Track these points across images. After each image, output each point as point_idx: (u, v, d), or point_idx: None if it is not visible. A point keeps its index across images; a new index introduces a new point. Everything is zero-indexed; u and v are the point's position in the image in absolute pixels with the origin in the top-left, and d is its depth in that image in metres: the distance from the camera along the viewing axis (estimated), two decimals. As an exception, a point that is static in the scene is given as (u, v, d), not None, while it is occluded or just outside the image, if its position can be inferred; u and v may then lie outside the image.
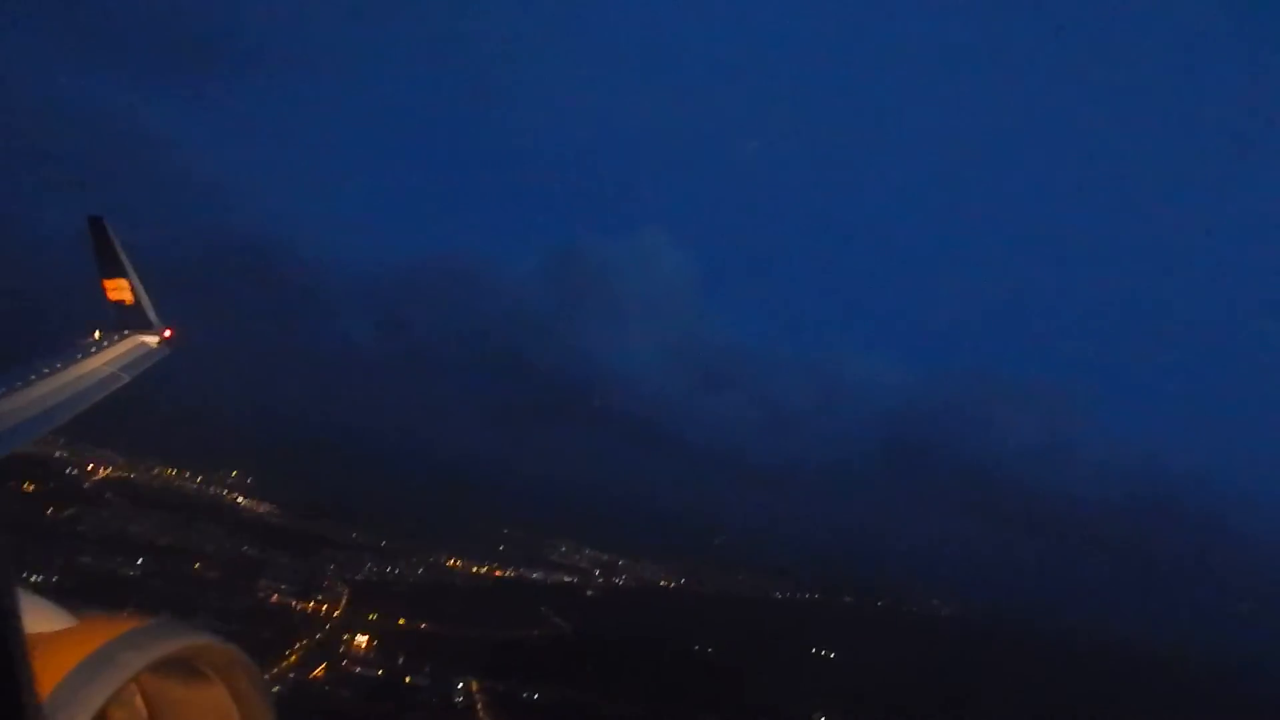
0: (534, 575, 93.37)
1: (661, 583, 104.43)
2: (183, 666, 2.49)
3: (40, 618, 2.28)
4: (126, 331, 12.34)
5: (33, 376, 9.29)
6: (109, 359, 11.11)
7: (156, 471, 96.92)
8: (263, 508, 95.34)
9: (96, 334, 12.01)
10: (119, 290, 12.68)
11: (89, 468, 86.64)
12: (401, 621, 65.59)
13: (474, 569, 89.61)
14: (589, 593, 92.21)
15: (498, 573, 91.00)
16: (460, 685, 55.26)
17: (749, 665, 75.26)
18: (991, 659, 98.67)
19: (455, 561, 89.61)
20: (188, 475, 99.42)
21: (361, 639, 58.85)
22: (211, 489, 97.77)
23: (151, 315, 12.80)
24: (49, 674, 2.04)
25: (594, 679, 62.25)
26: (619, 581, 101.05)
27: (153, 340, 12.52)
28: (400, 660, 57.46)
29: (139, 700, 2.60)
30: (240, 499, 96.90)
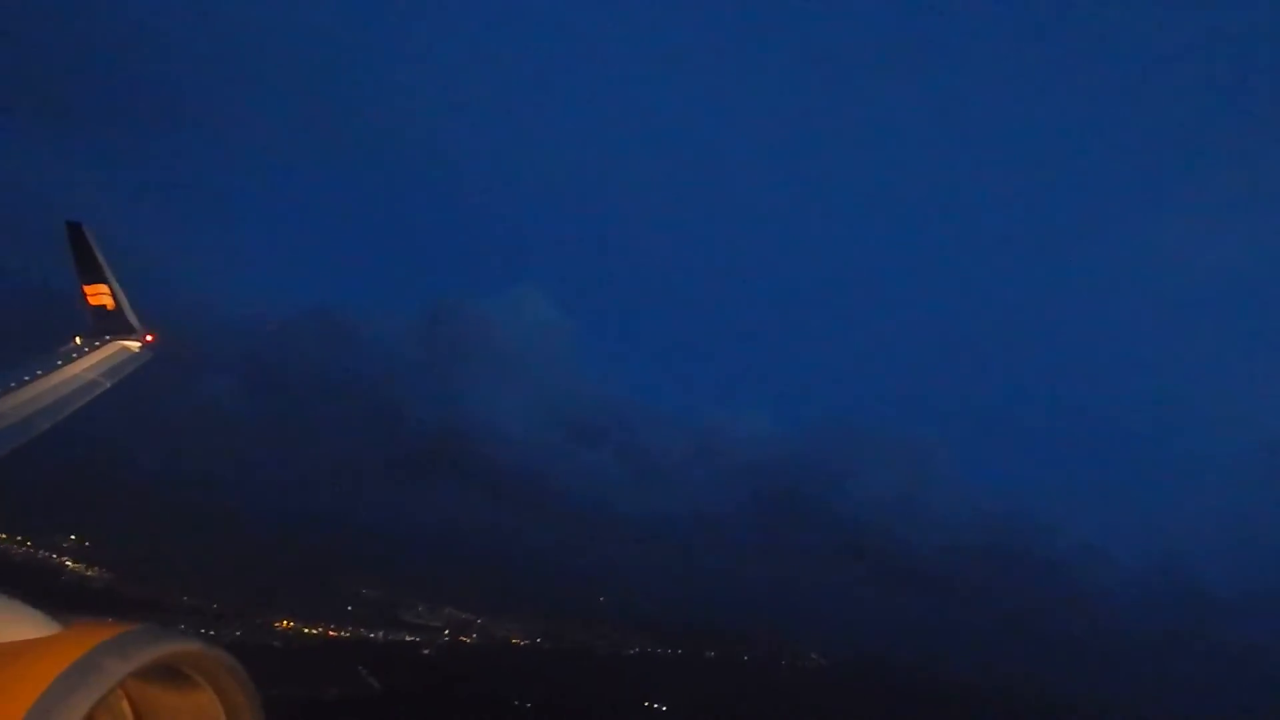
0: (371, 635, 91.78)
1: (514, 640, 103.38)
2: (170, 672, 2.46)
3: (24, 624, 2.26)
4: (108, 337, 12.08)
5: (12, 384, 9.03)
6: (90, 365, 10.81)
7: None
8: (92, 571, 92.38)
9: (77, 339, 11.72)
10: (99, 296, 12.34)
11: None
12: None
13: (305, 630, 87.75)
14: (426, 652, 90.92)
15: (331, 633, 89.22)
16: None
17: (568, 717, 75.08)
18: (847, 707, 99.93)
19: (286, 623, 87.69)
20: (18, 539, 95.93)
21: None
22: (40, 553, 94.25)
23: (133, 320, 12.54)
24: (34, 681, 2.01)
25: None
26: (468, 640, 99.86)
27: (135, 345, 12.24)
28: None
29: (126, 706, 2.57)
30: (70, 563, 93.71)
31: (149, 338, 12.53)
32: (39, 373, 9.64)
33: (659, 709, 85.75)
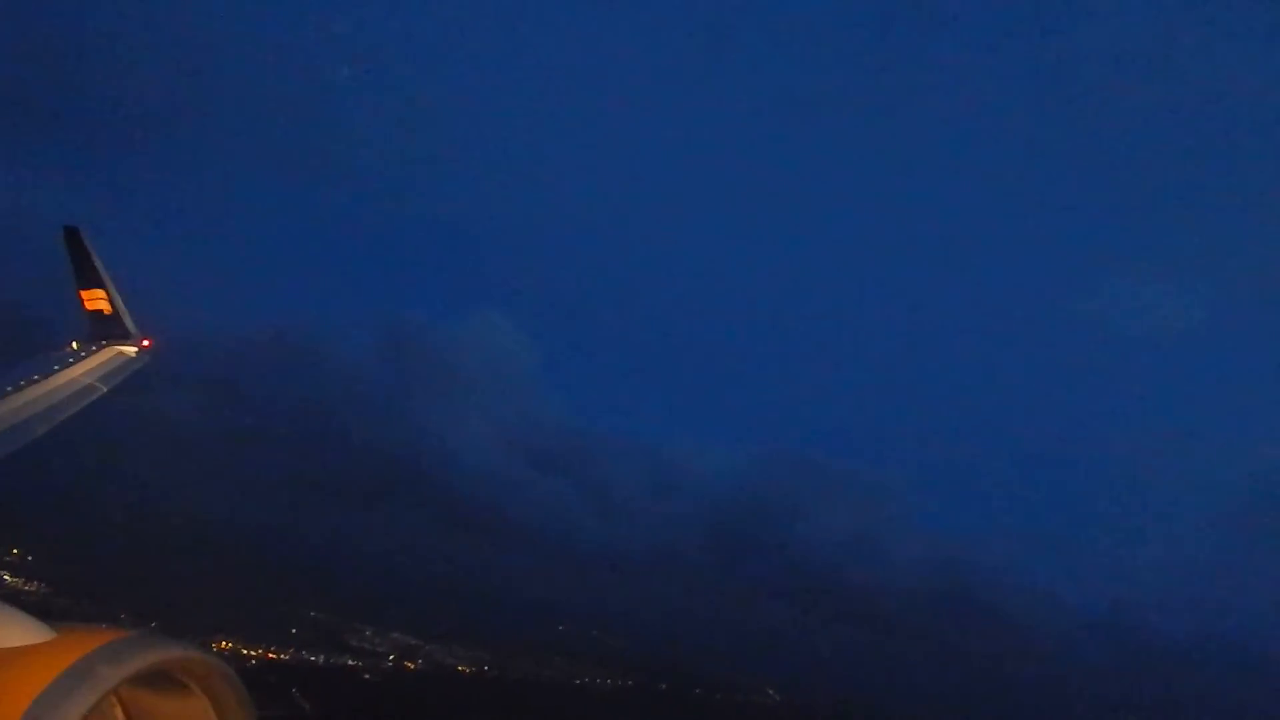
0: (312, 658, 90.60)
1: (459, 668, 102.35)
2: (163, 679, 2.51)
3: (17, 631, 2.28)
4: (104, 342, 11.92)
5: (8, 389, 8.94)
6: (86, 370, 10.65)
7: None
8: (29, 586, 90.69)
9: (74, 344, 11.57)
10: (96, 300, 12.16)
11: None
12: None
13: (244, 651, 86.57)
14: (367, 676, 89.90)
15: (270, 655, 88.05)
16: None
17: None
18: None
19: (225, 644, 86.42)
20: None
21: None
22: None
23: (130, 325, 12.33)
24: (26, 688, 2.02)
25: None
26: (412, 666, 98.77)
27: (131, 350, 12.06)
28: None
29: (119, 713, 2.61)
30: (7, 577, 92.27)
31: (146, 343, 12.47)
32: (35, 378, 9.66)
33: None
